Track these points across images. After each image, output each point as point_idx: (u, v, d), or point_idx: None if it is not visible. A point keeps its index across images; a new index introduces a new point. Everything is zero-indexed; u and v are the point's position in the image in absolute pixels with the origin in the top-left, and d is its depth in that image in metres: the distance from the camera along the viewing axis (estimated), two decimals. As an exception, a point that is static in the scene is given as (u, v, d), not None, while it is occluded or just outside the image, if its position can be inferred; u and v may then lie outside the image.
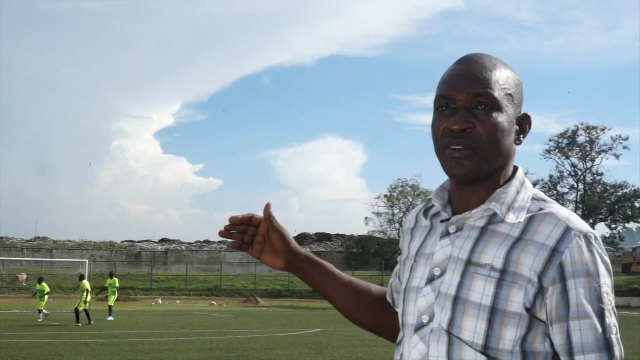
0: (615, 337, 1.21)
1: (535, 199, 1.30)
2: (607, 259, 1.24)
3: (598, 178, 51.79)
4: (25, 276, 47.42)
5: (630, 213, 51.18)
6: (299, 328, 21.09)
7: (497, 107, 1.27)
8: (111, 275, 25.25)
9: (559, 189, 52.70)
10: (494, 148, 1.27)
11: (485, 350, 1.21)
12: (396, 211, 60.76)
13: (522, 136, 1.34)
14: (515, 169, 1.35)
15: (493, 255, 1.24)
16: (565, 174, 52.41)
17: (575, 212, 51.54)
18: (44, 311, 22.68)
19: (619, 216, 51.32)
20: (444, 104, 1.30)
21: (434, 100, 1.33)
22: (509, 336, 1.20)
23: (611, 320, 1.21)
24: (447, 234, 1.32)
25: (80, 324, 20.43)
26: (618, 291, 44.19)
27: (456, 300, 1.25)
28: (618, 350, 1.21)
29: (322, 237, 70.96)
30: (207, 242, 68.70)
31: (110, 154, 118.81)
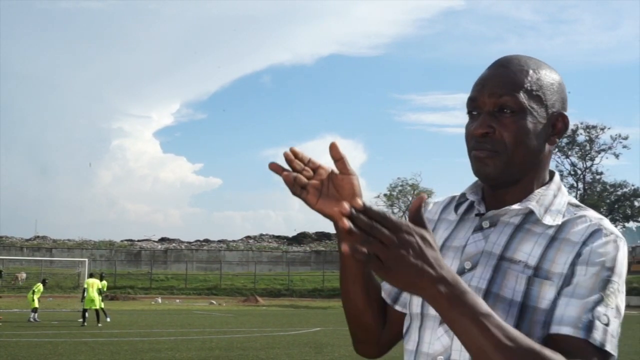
0: (602, 325, 1.15)
1: (570, 204, 1.32)
2: (625, 264, 1.24)
3: (597, 177, 51.80)
4: (24, 275, 47.41)
5: (629, 212, 51.19)
6: (299, 327, 21.09)
7: (522, 109, 1.27)
8: (101, 278, 24.11)
9: (559, 188, 52.65)
10: (519, 150, 1.27)
11: None
12: (396, 210, 60.76)
13: (555, 136, 1.33)
14: (552, 173, 1.36)
15: (528, 253, 1.24)
16: (565, 173, 52.38)
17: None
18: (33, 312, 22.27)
19: (619, 215, 51.31)
20: (471, 108, 1.32)
21: (466, 104, 1.35)
22: (538, 333, 1.19)
23: (608, 312, 1.16)
24: (480, 229, 1.32)
25: (101, 324, 20.37)
26: (617, 290, 44.18)
27: (487, 294, 1.24)
28: (598, 335, 1.14)
29: (322, 236, 70.98)
30: (206, 241, 68.72)
31: (110, 153, 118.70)
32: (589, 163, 51.77)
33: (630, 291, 44.35)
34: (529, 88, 1.29)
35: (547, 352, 1.09)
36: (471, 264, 1.29)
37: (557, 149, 51.32)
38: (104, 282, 23.77)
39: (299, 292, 49.75)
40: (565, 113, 1.33)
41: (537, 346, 1.09)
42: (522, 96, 1.28)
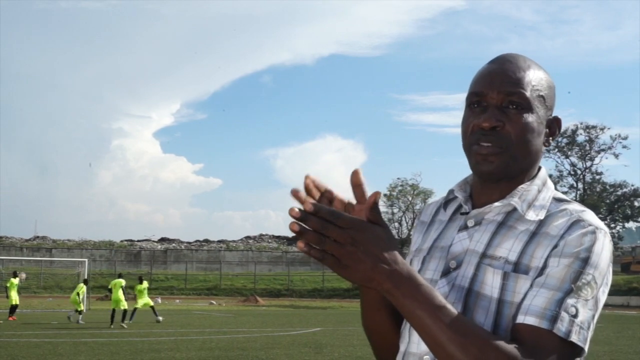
0: (569, 316, 1.13)
1: (555, 198, 1.31)
2: (609, 255, 1.21)
3: (597, 177, 51.73)
4: (24, 275, 47.38)
5: (629, 212, 51.13)
6: (298, 327, 21.08)
7: (528, 107, 1.28)
8: (140, 280, 23.67)
9: (558, 188, 52.41)
10: (523, 147, 1.28)
11: None
12: (395, 210, 60.74)
13: (550, 138, 1.34)
14: (539, 168, 1.36)
15: (509, 248, 1.24)
16: (565, 173, 52.34)
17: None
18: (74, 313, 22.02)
19: (618, 215, 51.27)
20: (475, 101, 1.31)
21: (466, 97, 1.34)
22: None
23: (578, 303, 1.15)
24: (465, 227, 1.32)
25: (125, 325, 20.33)
26: (617, 290, 44.18)
27: (469, 292, 1.25)
28: (563, 326, 1.13)
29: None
30: (206, 241, 68.69)
31: (110, 153, 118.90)
32: (588, 163, 51.75)
33: (631, 291, 44.31)
34: (536, 87, 1.30)
35: (501, 343, 1.08)
36: (456, 263, 1.30)
37: (557, 149, 51.42)
38: (145, 283, 23.46)
39: (299, 292, 49.73)
40: (556, 115, 1.36)
41: (491, 336, 1.10)
42: (530, 94, 1.28)
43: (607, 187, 51.40)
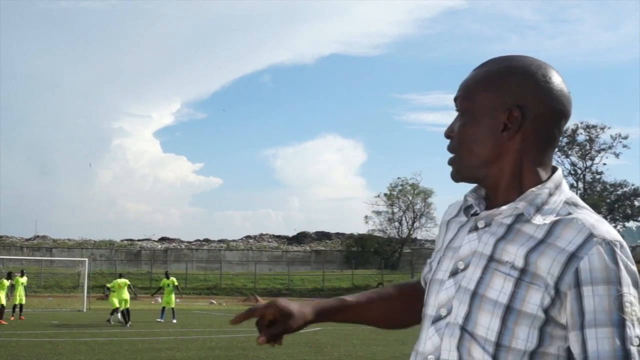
0: (636, 348, 1.15)
1: (567, 202, 1.28)
2: (634, 268, 1.19)
3: (597, 177, 51.84)
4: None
5: (629, 212, 51.19)
6: (299, 327, 21.06)
7: (467, 109, 1.33)
8: (167, 275, 23.72)
9: (559, 187, 52.64)
10: (464, 150, 1.34)
11: (497, 347, 1.20)
12: (395, 210, 60.81)
13: (512, 129, 1.27)
14: (554, 169, 1.34)
15: (514, 253, 1.23)
16: (565, 173, 52.35)
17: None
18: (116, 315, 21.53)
19: (619, 215, 51.32)
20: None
21: None
22: (522, 335, 1.20)
23: (633, 331, 1.15)
24: (475, 229, 1.33)
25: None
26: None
27: (474, 295, 1.25)
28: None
29: (322, 236, 70.96)
30: (206, 240, 68.70)
31: (110, 152, 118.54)
32: (589, 163, 51.84)
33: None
34: (481, 83, 1.32)
35: None
36: (464, 265, 1.30)
37: (557, 149, 51.43)
38: (172, 279, 23.22)
39: (299, 292, 49.69)
40: (522, 104, 1.27)
41: None
42: (471, 98, 1.32)
43: (608, 186, 51.44)
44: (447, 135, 1.36)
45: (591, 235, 1.18)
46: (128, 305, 21.25)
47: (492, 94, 1.30)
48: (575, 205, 1.27)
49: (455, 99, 1.36)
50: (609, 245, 1.18)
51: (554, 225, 1.23)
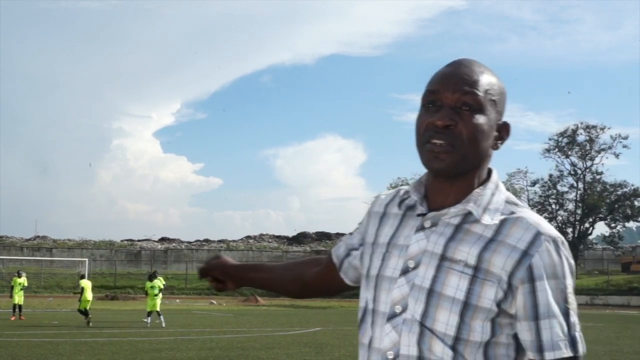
0: (578, 334, 1.29)
1: (507, 202, 1.37)
2: (572, 261, 1.32)
3: (597, 177, 51.69)
4: (24, 275, 47.36)
5: (629, 212, 51.07)
6: (299, 327, 21.09)
7: (481, 109, 1.34)
8: (150, 278, 23.21)
9: (559, 187, 52.62)
10: (473, 147, 1.34)
11: (456, 340, 1.28)
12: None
13: (499, 142, 1.41)
14: (490, 171, 1.42)
15: (467, 252, 1.30)
16: (565, 173, 52.33)
17: (575, 211, 51.54)
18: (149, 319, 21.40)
19: (619, 215, 51.21)
20: (430, 100, 1.37)
21: (422, 96, 1.39)
22: (478, 328, 1.28)
23: (574, 318, 1.29)
24: (421, 228, 1.37)
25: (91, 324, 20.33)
26: (617, 290, 44.19)
27: (430, 292, 1.31)
28: (581, 346, 1.29)
29: (322, 236, 70.97)
30: (206, 240, 68.68)
31: (110, 152, 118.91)
32: (589, 163, 51.74)
33: (631, 291, 44.29)
34: (489, 91, 1.36)
35: None
36: (414, 263, 1.35)
37: (557, 149, 51.42)
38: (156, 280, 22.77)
39: (299, 292, 49.64)
40: (504, 120, 1.41)
41: None
42: (483, 97, 1.34)
43: (608, 186, 51.36)
44: (446, 125, 1.32)
45: (539, 233, 1.29)
46: (156, 308, 21.21)
47: (496, 109, 1.38)
48: (516, 204, 1.37)
49: (462, 92, 1.33)
50: (555, 242, 1.29)
51: (502, 224, 1.31)
